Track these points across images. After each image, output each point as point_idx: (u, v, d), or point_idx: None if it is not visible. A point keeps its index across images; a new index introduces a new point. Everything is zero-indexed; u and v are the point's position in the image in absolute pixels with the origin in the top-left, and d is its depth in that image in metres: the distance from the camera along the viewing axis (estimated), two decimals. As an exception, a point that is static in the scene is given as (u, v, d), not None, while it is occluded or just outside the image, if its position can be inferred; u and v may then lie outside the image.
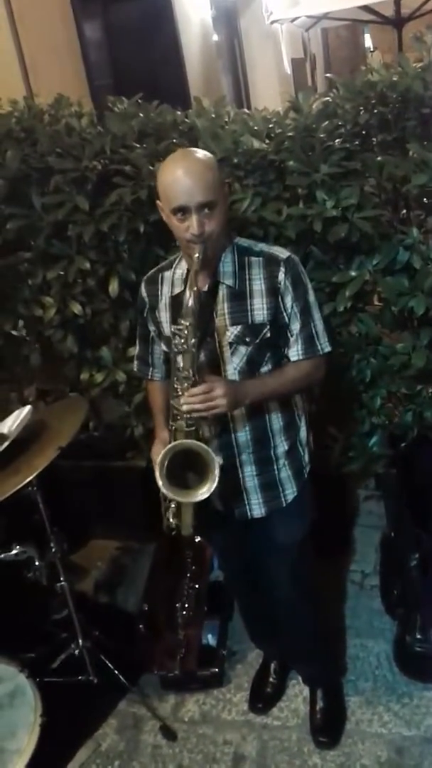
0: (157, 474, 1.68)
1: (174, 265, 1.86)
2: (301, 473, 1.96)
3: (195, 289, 1.65)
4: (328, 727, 2.21)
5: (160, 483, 1.68)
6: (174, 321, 1.76)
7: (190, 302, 1.65)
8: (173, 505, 1.80)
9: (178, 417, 1.72)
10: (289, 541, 1.99)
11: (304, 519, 2.02)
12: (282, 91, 7.01)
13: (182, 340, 1.67)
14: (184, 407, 1.66)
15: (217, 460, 1.67)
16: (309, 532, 2.03)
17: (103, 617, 2.66)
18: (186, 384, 1.68)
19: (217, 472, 1.65)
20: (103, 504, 3.11)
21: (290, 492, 1.94)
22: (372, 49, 10.02)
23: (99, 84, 4.78)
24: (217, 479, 1.66)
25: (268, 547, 2.01)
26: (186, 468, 1.71)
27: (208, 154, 1.73)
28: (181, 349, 1.68)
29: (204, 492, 1.68)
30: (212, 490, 1.67)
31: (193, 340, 1.67)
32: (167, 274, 1.87)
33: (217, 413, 1.69)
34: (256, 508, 1.92)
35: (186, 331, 1.66)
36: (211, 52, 6.49)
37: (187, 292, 1.67)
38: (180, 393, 1.69)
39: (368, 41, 10.38)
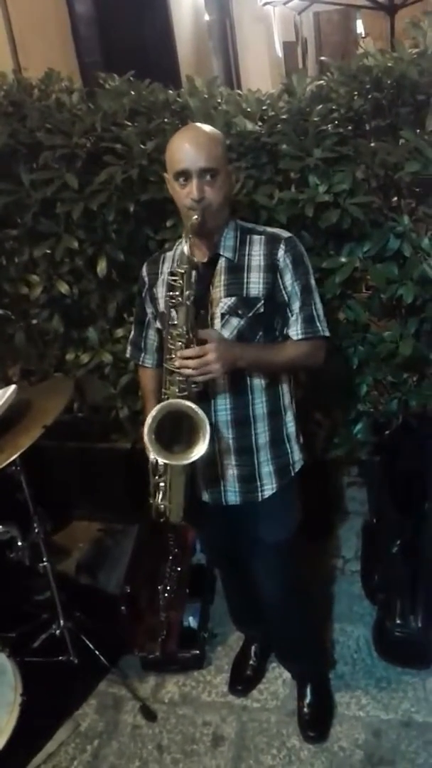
0: (146, 438, 1.62)
1: (176, 246, 1.87)
2: (286, 471, 1.90)
3: (191, 237, 1.64)
4: (316, 721, 2.20)
5: (149, 445, 1.62)
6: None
7: (186, 249, 1.64)
8: (162, 485, 1.75)
9: (171, 384, 1.68)
10: (268, 539, 1.93)
11: (286, 519, 1.95)
12: (273, 74, 6.95)
13: (177, 293, 1.65)
14: (177, 366, 1.63)
15: (208, 421, 1.62)
16: (294, 535, 1.96)
17: (84, 598, 2.66)
18: (179, 343, 1.65)
19: (208, 435, 1.60)
20: (86, 485, 3.10)
21: (269, 488, 1.87)
22: (363, 35, 9.95)
23: (88, 60, 4.70)
24: (208, 440, 1.60)
25: (246, 541, 1.97)
26: (175, 436, 1.67)
27: (216, 130, 1.78)
28: (176, 302, 1.65)
29: (195, 454, 1.61)
30: (204, 450, 1.61)
31: (187, 292, 1.64)
32: (169, 254, 1.89)
33: (211, 377, 1.66)
34: (232, 495, 1.87)
35: (181, 281, 1.64)
36: (203, 31, 6.41)
37: (184, 241, 1.66)
38: (173, 356, 1.65)
39: (360, 27, 10.30)
